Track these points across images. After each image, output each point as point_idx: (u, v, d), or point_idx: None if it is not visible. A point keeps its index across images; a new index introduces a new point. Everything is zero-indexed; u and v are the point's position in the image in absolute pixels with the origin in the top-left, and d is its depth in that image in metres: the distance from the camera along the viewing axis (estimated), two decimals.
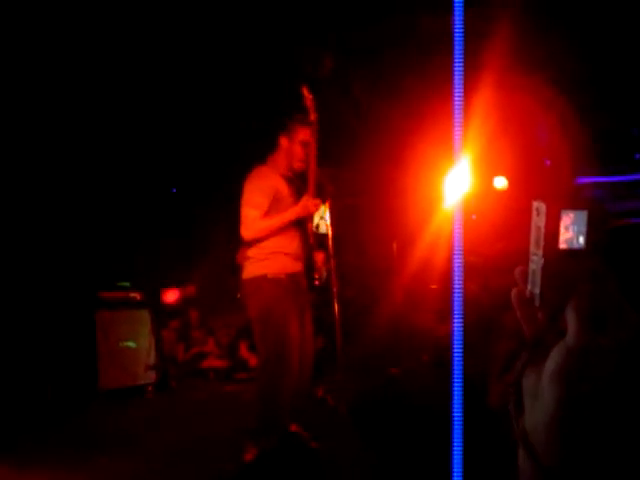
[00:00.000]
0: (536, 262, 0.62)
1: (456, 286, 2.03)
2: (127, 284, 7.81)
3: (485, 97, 5.29)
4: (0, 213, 6.72)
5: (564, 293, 0.59)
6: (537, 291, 0.62)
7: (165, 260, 8.24)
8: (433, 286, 6.59)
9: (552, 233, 0.59)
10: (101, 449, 4.60)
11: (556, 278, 0.60)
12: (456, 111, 2.01)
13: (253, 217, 4.03)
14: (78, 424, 5.66)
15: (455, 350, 2.02)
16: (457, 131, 2.04)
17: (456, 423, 1.97)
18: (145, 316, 7.64)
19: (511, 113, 6.23)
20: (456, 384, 1.98)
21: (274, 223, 4.05)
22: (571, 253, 0.60)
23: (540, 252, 0.61)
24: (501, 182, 7.41)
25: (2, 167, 6.61)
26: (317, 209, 4.20)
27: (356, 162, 7.18)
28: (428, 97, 5.84)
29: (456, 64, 1.90)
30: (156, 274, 8.12)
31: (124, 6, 5.82)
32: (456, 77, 1.95)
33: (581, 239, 0.60)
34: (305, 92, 4.08)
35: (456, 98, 2.00)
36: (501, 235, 5.33)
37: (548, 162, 7.66)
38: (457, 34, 1.86)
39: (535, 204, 0.62)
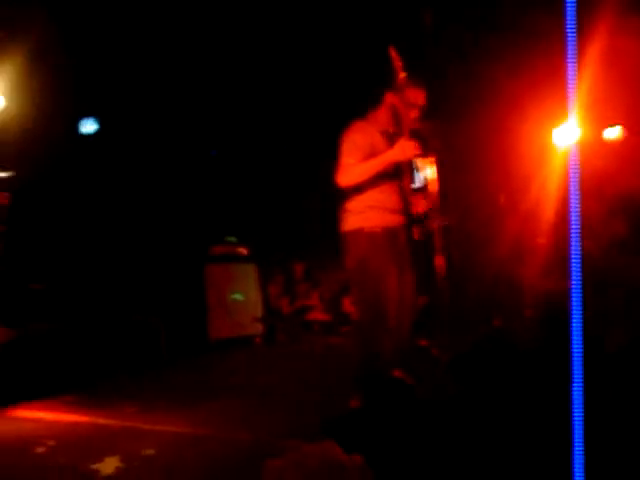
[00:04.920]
0: None
1: (573, 239, 1.98)
2: (234, 239, 8.06)
3: (600, 42, 5.06)
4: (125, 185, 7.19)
5: None
6: None
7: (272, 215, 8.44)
8: (540, 240, 6.44)
9: None
10: (213, 394, 4.84)
11: None
12: (569, 57, 1.95)
13: (348, 164, 4.01)
14: (191, 371, 5.98)
15: (574, 306, 1.98)
16: (570, 79, 1.97)
17: (576, 381, 1.93)
18: (252, 270, 7.89)
19: (628, 59, 5.92)
20: (575, 338, 1.95)
21: (370, 167, 3.97)
22: None
23: None
24: (614, 132, 7.08)
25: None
26: (415, 153, 4.08)
27: (462, 114, 7.05)
28: (539, 43, 5.64)
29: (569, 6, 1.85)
30: (263, 229, 8.32)
31: None
32: (568, 19, 1.89)
33: None
34: (392, 53, 3.98)
35: (569, 43, 1.94)
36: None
37: None
38: None
39: None
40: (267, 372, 5.76)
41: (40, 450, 3.45)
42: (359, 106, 4.36)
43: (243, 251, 8.06)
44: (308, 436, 3.06)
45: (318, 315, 8.16)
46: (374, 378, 3.76)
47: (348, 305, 7.73)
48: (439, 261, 5.14)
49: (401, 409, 3.36)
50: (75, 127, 7.55)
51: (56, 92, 6.58)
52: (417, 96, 4.09)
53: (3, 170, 6.01)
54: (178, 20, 6.61)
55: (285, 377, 5.41)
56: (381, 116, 4.22)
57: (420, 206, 4.18)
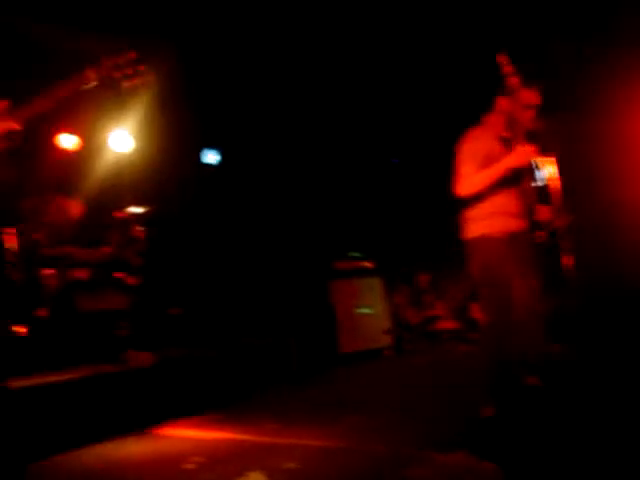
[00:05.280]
0: None
1: None
2: (358, 254, 8.18)
3: None
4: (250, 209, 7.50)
5: None
6: None
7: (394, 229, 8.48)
8: None
9: None
10: (347, 407, 4.92)
11: None
12: None
13: (467, 173, 4.01)
14: (324, 386, 6.11)
15: None
16: None
17: None
18: (377, 283, 7.97)
19: None
20: None
21: (489, 175, 3.95)
22: None
23: None
24: None
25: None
26: (533, 156, 4.02)
27: (585, 107, 6.82)
28: None
29: None
30: (386, 243, 8.38)
31: None
32: None
33: None
34: (502, 60, 3.94)
35: None
36: None
37: None
38: None
39: None
40: (397, 383, 5.79)
41: (188, 466, 3.64)
42: (473, 114, 4.35)
43: (368, 265, 8.16)
44: (443, 446, 3.07)
45: (446, 324, 8.11)
46: (506, 385, 3.72)
47: (476, 312, 7.64)
48: (567, 261, 5.01)
49: (534, 417, 3.31)
50: (200, 158, 7.93)
51: (181, 126, 6.96)
52: (531, 97, 4.05)
53: (138, 206, 6.40)
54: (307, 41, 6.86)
55: (416, 388, 5.42)
56: (495, 122, 4.19)
57: (543, 214, 4.11)
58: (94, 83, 2.20)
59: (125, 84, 2.21)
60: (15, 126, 2.13)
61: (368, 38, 6.96)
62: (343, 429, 4.27)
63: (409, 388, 5.46)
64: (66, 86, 2.19)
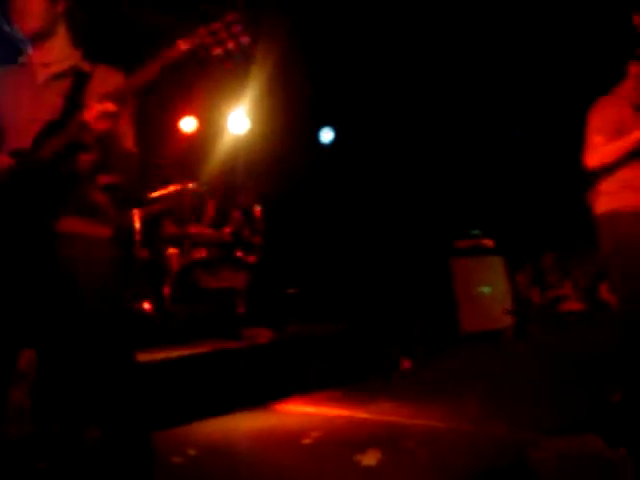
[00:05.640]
0: None
1: None
2: (479, 232, 7.98)
3: None
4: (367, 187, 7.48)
5: None
6: None
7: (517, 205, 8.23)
8: None
9: None
10: (465, 388, 4.81)
11: None
12: None
13: (597, 143, 3.79)
14: (443, 366, 6.01)
15: None
16: None
17: None
18: (498, 262, 7.75)
19: None
20: None
21: (622, 145, 3.72)
22: None
23: None
24: None
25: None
26: None
27: None
28: None
29: None
30: (509, 220, 8.14)
31: None
32: None
33: None
34: (638, 22, 3.67)
35: None
36: None
37: None
38: None
39: None
40: (519, 365, 5.61)
41: (307, 442, 3.67)
42: (604, 82, 4.12)
43: (489, 243, 7.97)
44: (567, 430, 2.94)
45: (572, 305, 7.77)
46: (636, 369, 3.51)
47: (605, 293, 7.28)
48: None
49: None
50: (315, 137, 7.96)
51: (296, 105, 7.00)
52: None
53: (256, 186, 6.51)
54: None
55: (539, 370, 5.23)
56: (627, 89, 3.94)
57: None
58: (185, 54, 2.15)
59: (217, 50, 2.15)
60: (111, 107, 2.13)
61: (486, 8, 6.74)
62: (462, 410, 4.18)
63: (531, 370, 5.28)
64: (157, 61, 2.16)
